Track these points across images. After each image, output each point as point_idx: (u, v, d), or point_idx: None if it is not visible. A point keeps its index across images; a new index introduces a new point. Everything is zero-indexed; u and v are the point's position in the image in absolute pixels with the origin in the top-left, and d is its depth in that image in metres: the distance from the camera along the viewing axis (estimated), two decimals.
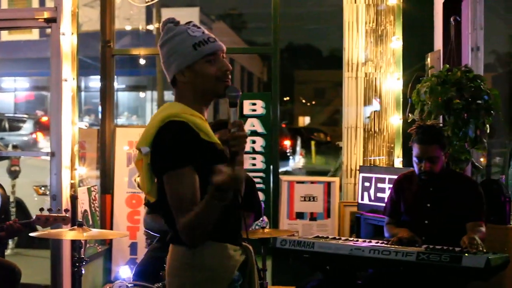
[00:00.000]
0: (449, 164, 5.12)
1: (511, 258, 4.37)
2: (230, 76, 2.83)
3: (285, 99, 38.74)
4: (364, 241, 4.50)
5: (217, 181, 2.55)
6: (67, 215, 4.91)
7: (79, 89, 6.05)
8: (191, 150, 2.70)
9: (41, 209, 4.86)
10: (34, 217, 4.92)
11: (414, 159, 4.70)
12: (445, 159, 4.71)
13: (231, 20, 31.82)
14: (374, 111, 6.70)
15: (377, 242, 4.46)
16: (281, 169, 19.43)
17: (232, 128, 2.66)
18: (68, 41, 5.93)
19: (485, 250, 4.15)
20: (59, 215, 4.87)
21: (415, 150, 4.67)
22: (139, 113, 28.57)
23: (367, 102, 6.71)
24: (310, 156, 23.32)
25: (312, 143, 24.45)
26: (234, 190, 2.66)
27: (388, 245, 4.33)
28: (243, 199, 2.79)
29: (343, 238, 4.74)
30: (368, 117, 6.70)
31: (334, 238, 4.67)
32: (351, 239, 4.68)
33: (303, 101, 39.68)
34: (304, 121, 38.00)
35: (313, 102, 38.93)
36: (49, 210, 4.88)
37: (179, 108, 2.81)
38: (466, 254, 3.97)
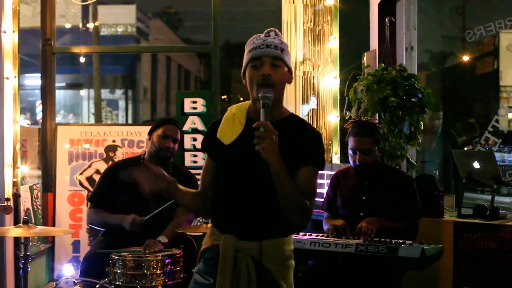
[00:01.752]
0: (383, 159, 5.30)
1: (444, 248, 4.60)
2: (269, 80, 2.98)
3: (223, 97, 38.84)
4: (305, 235, 4.65)
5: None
6: (8, 204, 4.88)
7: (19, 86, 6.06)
8: (206, 141, 3.21)
9: None
10: None
11: (350, 151, 4.89)
12: (379, 154, 4.91)
13: (168, 18, 31.68)
14: (312, 109, 6.85)
15: (317, 235, 4.62)
16: None
17: (257, 127, 2.85)
18: (9, 39, 5.93)
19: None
20: (0, 204, 4.85)
21: (350, 142, 4.87)
22: (76, 111, 28.25)
23: (305, 100, 6.86)
24: None
25: None
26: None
27: (328, 238, 4.50)
28: None
29: None
30: (307, 115, 6.85)
31: None
32: None
33: (241, 99, 39.73)
34: None
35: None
36: None
37: (235, 105, 3.16)
38: (402, 246, 4.17)
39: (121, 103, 28.89)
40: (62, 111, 27.77)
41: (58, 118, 25.99)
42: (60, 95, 27.75)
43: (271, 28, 3.14)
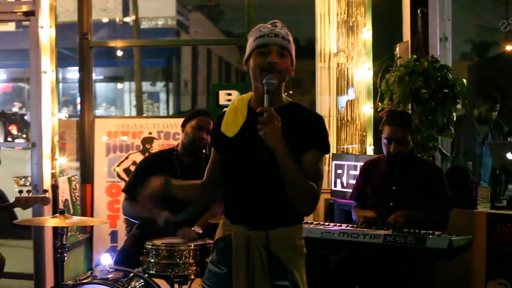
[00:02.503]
0: (414, 151, 5.31)
1: (477, 240, 4.59)
2: (276, 70, 3.00)
3: None
4: (335, 225, 4.69)
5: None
6: (46, 196, 4.98)
7: (57, 80, 6.18)
8: (212, 136, 3.31)
9: (20, 191, 4.94)
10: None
11: (384, 140, 4.89)
12: (412, 145, 4.92)
13: (209, 11, 31.78)
14: (349, 100, 6.87)
15: (347, 226, 4.66)
16: None
17: (260, 113, 2.89)
18: (46, 34, 6.05)
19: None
20: (38, 195, 4.93)
21: (385, 131, 4.87)
22: (117, 104, 28.54)
23: (339, 91, 6.87)
24: None
25: None
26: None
27: (357, 228, 4.53)
28: None
29: (315, 222, 4.92)
30: (343, 106, 6.87)
31: (306, 223, 4.85)
32: (323, 223, 4.87)
33: None
34: None
35: (291, 92, 39.15)
36: (28, 191, 4.95)
37: (238, 97, 3.24)
38: (430, 236, 4.18)
39: (162, 96, 29.12)
40: (104, 103, 28.11)
41: (100, 111, 26.31)
42: (102, 88, 28.09)
43: (276, 20, 3.17)
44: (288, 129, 2.92)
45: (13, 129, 16.66)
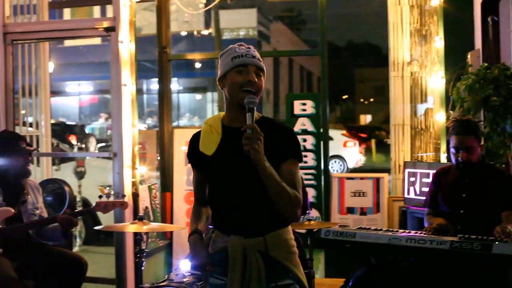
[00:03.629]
0: (484, 158, 5.31)
1: None
2: (255, 89, 3.17)
3: (343, 97, 38.88)
4: (404, 232, 4.75)
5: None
6: (125, 200, 5.17)
7: (140, 92, 6.40)
8: (190, 155, 3.39)
9: (100, 196, 5.15)
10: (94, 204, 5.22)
11: (452, 150, 4.92)
12: (480, 151, 4.93)
13: (290, 21, 31.97)
14: (426, 108, 6.90)
15: (415, 233, 4.71)
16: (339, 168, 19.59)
17: (244, 130, 3.03)
18: (126, 48, 6.29)
19: None
20: (117, 200, 5.12)
21: (452, 141, 4.90)
22: (200, 114, 29.00)
23: (413, 100, 6.91)
24: (371, 154, 23.53)
25: (373, 141, 24.71)
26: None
27: (424, 235, 4.58)
28: None
29: (384, 229, 4.99)
30: (422, 114, 6.91)
31: (376, 229, 4.92)
32: (391, 229, 4.93)
33: (362, 99, 39.59)
34: (366, 119, 38.03)
35: (371, 100, 38.86)
36: (107, 196, 5.15)
37: (209, 118, 3.40)
38: (497, 242, 4.20)
39: None
40: (187, 114, 28.59)
41: (184, 121, 26.78)
42: (185, 98, 28.59)
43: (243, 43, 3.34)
44: (265, 142, 3.05)
45: (73, 139, 17.20)
